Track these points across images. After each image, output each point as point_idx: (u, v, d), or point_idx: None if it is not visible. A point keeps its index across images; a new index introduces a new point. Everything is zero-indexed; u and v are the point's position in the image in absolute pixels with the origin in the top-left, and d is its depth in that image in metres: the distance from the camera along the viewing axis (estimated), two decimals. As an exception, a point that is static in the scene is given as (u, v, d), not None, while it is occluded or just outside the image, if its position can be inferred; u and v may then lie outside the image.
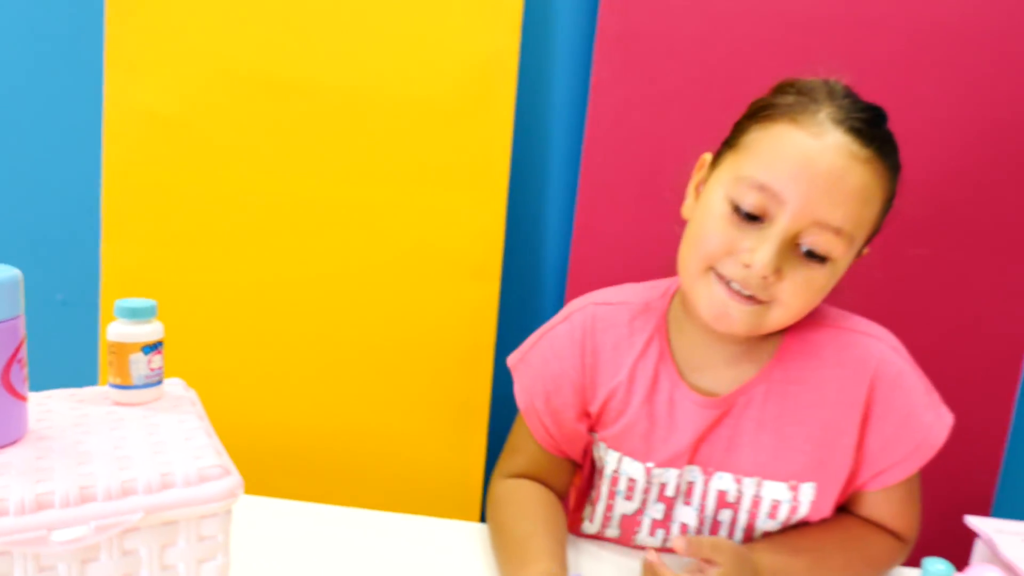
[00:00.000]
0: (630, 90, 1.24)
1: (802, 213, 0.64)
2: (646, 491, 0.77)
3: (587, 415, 0.78)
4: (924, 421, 0.73)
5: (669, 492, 0.76)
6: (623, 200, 1.24)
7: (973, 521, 0.73)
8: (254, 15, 1.19)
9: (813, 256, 0.66)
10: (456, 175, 1.25)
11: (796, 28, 1.18)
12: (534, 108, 1.29)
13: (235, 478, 0.48)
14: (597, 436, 0.79)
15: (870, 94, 1.18)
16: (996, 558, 0.69)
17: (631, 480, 0.76)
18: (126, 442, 0.49)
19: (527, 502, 0.76)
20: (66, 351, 1.33)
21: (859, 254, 0.72)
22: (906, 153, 1.19)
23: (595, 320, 0.78)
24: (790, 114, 0.66)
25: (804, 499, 0.74)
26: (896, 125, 1.17)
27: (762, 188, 0.65)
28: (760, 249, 0.65)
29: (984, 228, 1.22)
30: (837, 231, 0.65)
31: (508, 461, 0.82)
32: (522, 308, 1.37)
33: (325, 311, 1.28)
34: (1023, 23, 1.16)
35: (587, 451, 0.82)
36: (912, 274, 1.25)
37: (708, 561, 0.67)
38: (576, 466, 0.84)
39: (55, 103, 1.29)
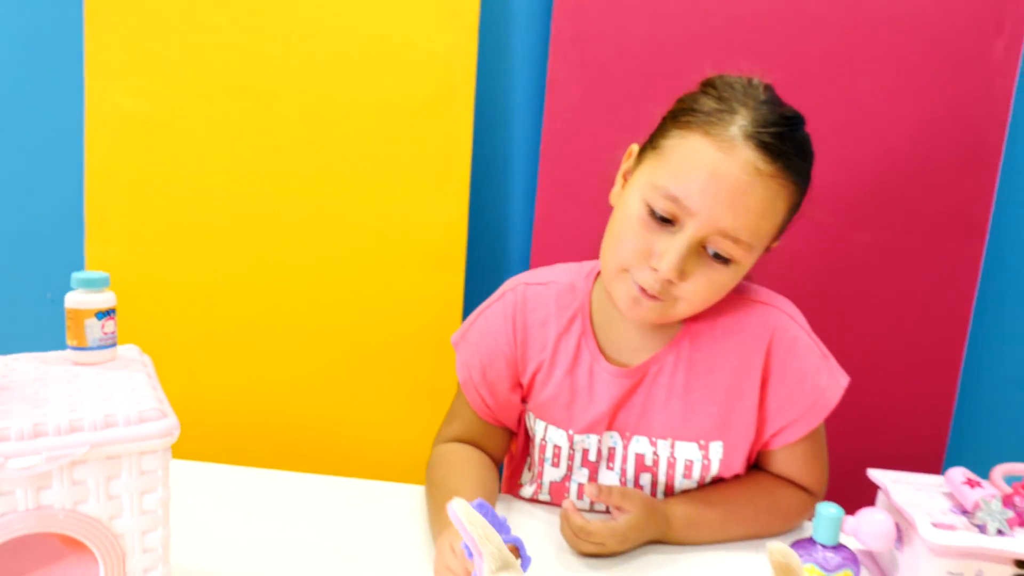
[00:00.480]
0: (584, 87, 1.31)
1: (707, 223, 0.70)
2: (571, 457, 0.83)
3: (520, 386, 0.85)
4: (819, 383, 0.79)
5: (591, 457, 0.83)
6: (580, 191, 1.31)
7: (873, 473, 0.79)
8: (228, 22, 1.27)
9: (718, 258, 0.72)
10: (421, 170, 1.31)
11: (743, 25, 1.24)
12: (493, 105, 1.36)
13: (172, 420, 0.54)
14: (528, 406, 0.86)
15: (812, 87, 1.26)
16: (889, 504, 0.75)
17: (556, 447, 0.83)
18: (78, 392, 0.56)
19: (459, 461, 0.83)
20: (55, 347, 1.39)
21: (767, 250, 0.78)
22: (848, 143, 1.27)
23: (525, 299, 0.85)
24: (705, 126, 0.71)
25: (714, 457, 0.80)
26: (838, 116, 1.24)
27: (673, 199, 0.71)
28: (666, 256, 0.71)
29: (923, 213, 1.28)
30: (737, 240, 0.71)
31: (447, 428, 0.89)
32: (486, 296, 1.44)
33: (300, 301, 1.35)
34: (957, 16, 1.22)
35: (521, 420, 0.89)
36: (857, 258, 1.31)
37: (619, 508, 0.73)
38: (511, 434, 0.91)
39: (38, 107, 1.36)
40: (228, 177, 1.31)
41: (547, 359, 0.83)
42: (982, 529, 0.68)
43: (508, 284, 0.89)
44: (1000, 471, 0.75)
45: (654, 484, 0.83)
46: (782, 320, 0.81)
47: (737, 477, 0.83)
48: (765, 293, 0.84)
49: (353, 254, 1.33)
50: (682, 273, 0.72)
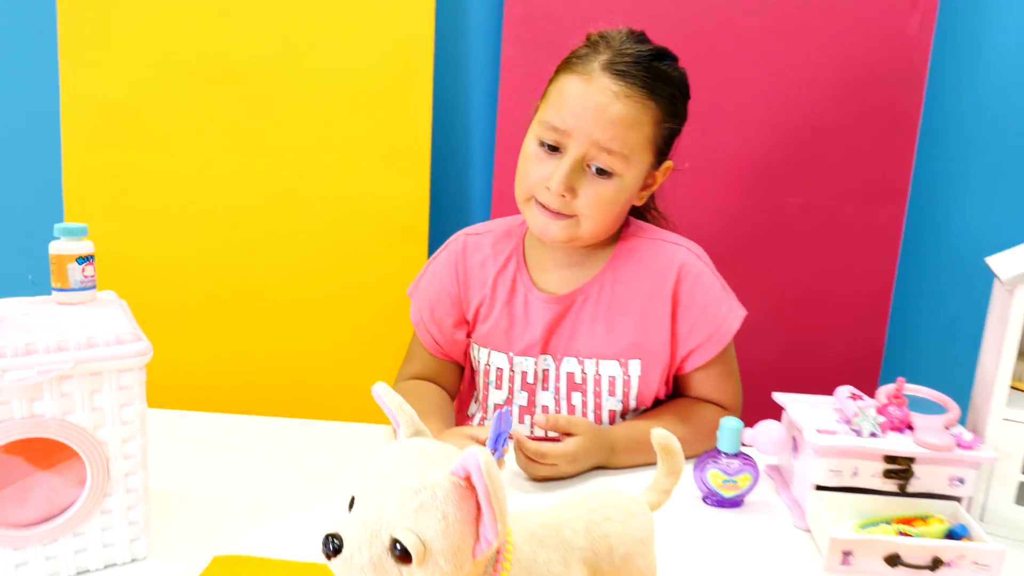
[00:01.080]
0: (537, 65, 1.39)
1: (583, 140, 0.84)
2: (511, 379, 0.94)
3: (465, 323, 0.96)
4: (720, 311, 0.90)
5: (530, 379, 0.93)
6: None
7: (777, 396, 0.89)
8: (198, 9, 1.34)
9: (601, 172, 0.85)
10: (384, 148, 1.40)
11: (685, 6, 1.34)
12: (452, 84, 1.45)
13: (146, 343, 0.63)
14: (472, 339, 0.97)
15: (746, 61, 1.37)
16: (788, 419, 0.86)
17: (499, 370, 0.94)
18: (63, 322, 0.64)
19: (417, 392, 0.94)
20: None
21: (661, 168, 0.90)
22: (779, 113, 1.37)
23: (465, 247, 0.98)
24: (574, 66, 0.86)
25: (633, 374, 0.91)
26: (769, 89, 1.35)
27: (554, 128, 0.85)
28: (556, 173, 0.85)
29: (850, 177, 1.39)
30: (610, 151, 0.84)
31: (405, 368, 1.00)
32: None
33: (272, 274, 1.44)
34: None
35: (467, 355, 0.99)
36: (791, 220, 1.42)
37: (568, 434, 0.83)
38: (461, 370, 1.01)
39: (14, 95, 1.43)
40: (201, 158, 1.39)
41: (487, 294, 0.96)
42: (859, 433, 0.78)
43: (453, 237, 1.02)
44: (883, 390, 0.85)
45: (584, 405, 0.94)
46: (689, 258, 0.93)
47: (664, 404, 0.94)
48: (676, 237, 0.96)
49: (322, 229, 1.42)
50: (572, 189, 0.86)
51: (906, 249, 1.40)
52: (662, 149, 0.91)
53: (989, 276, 0.82)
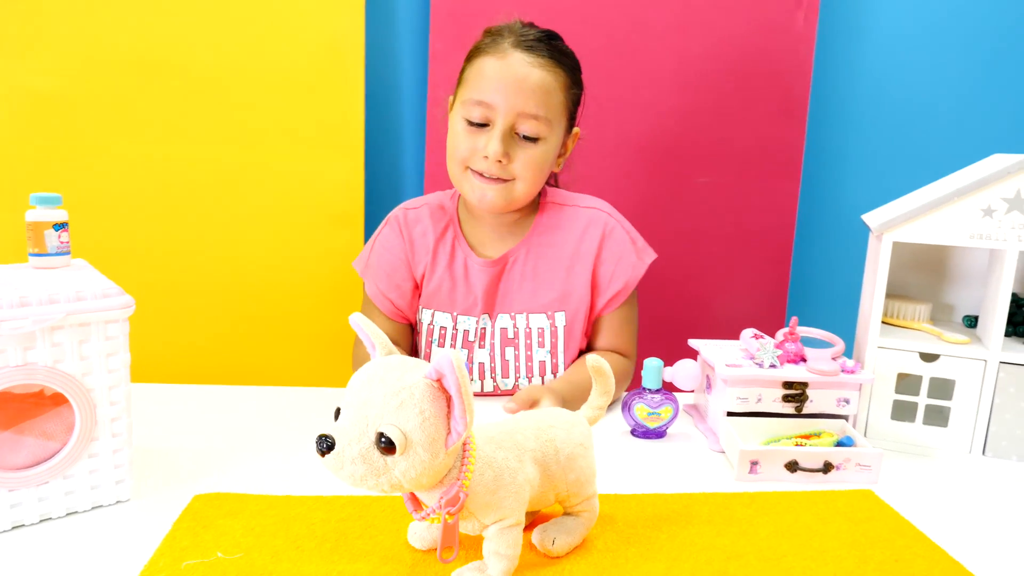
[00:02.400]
0: (463, 54, 1.49)
1: (508, 110, 0.95)
2: (454, 338, 1.03)
3: (417, 287, 1.04)
4: (631, 262, 1.04)
5: (471, 337, 1.03)
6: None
7: (692, 342, 1.01)
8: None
9: (528, 139, 0.96)
10: (318, 136, 1.46)
11: (597, 1, 1.45)
12: (382, 73, 1.53)
13: (129, 298, 0.69)
14: (419, 303, 1.06)
15: (654, 53, 1.49)
16: (702, 360, 0.98)
17: (442, 328, 1.03)
18: (49, 280, 0.69)
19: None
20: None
21: (572, 134, 1.02)
22: (686, 100, 1.50)
23: (407, 219, 1.07)
24: (486, 50, 0.98)
25: (559, 325, 1.02)
26: (676, 78, 1.48)
27: (479, 103, 0.96)
28: (490, 143, 0.96)
29: (750, 157, 1.53)
30: (535, 117, 0.95)
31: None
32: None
33: (213, 260, 1.47)
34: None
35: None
36: (699, 197, 1.56)
37: (536, 401, 0.92)
38: (413, 331, 1.10)
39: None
40: (134, 150, 1.41)
41: (429, 260, 1.06)
42: (760, 365, 0.91)
43: (391, 213, 1.11)
44: (780, 332, 0.98)
45: (517, 358, 1.04)
46: (605, 217, 1.07)
47: (580, 359, 1.04)
48: (592, 200, 1.10)
49: (260, 216, 1.46)
50: (507, 155, 0.97)
51: (802, 216, 1.57)
52: (572, 115, 1.04)
53: (866, 234, 0.96)
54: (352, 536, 0.68)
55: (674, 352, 1.15)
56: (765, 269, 1.57)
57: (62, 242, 0.75)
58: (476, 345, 1.06)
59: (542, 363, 1.06)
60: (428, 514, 0.58)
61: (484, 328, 1.05)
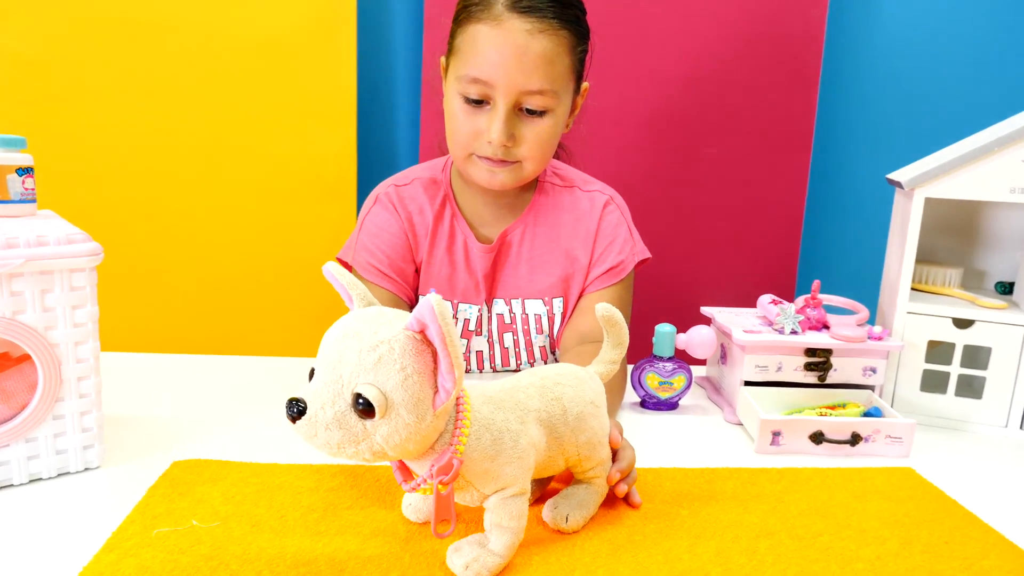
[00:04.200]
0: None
1: (510, 88, 0.83)
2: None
3: (417, 272, 0.96)
4: (624, 249, 0.95)
5: (471, 326, 0.95)
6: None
7: (705, 309, 0.95)
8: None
9: (534, 113, 0.85)
10: (309, 103, 1.40)
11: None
12: (375, 39, 1.46)
13: (96, 245, 0.63)
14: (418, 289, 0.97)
15: (663, 20, 1.42)
16: (716, 327, 0.92)
17: None
18: (11, 227, 0.63)
19: None
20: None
21: (580, 91, 0.91)
22: (692, 69, 1.43)
23: (399, 196, 0.96)
24: (476, 14, 0.83)
25: (557, 312, 0.95)
26: (683, 47, 1.41)
27: (476, 81, 0.83)
28: (493, 126, 0.84)
29: (758, 129, 1.47)
30: (540, 92, 0.84)
31: None
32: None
33: (202, 231, 1.41)
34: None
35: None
36: (706, 169, 1.50)
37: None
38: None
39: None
40: (121, 116, 1.35)
41: (428, 242, 0.95)
42: (781, 331, 0.85)
43: (377, 190, 0.98)
44: (801, 298, 0.92)
45: (516, 344, 0.97)
46: (606, 200, 0.97)
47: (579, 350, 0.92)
48: (599, 184, 0.99)
49: (248, 186, 1.40)
50: (512, 136, 0.85)
51: (813, 186, 1.51)
52: (580, 73, 0.91)
53: (881, 202, 0.89)
54: (342, 507, 0.62)
55: (684, 321, 1.10)
56: (774, 242, 1.51)
57: (26, 189, 0.69)
58: (474, 333, 0.97)
59: (543, 349, 0.98)
60: (419, 484, 0.52)
61: (480, 315, 0.96)
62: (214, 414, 0.81)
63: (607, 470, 0.62)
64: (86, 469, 0.67)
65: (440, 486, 0.51)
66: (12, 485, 0.63)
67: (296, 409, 0.47)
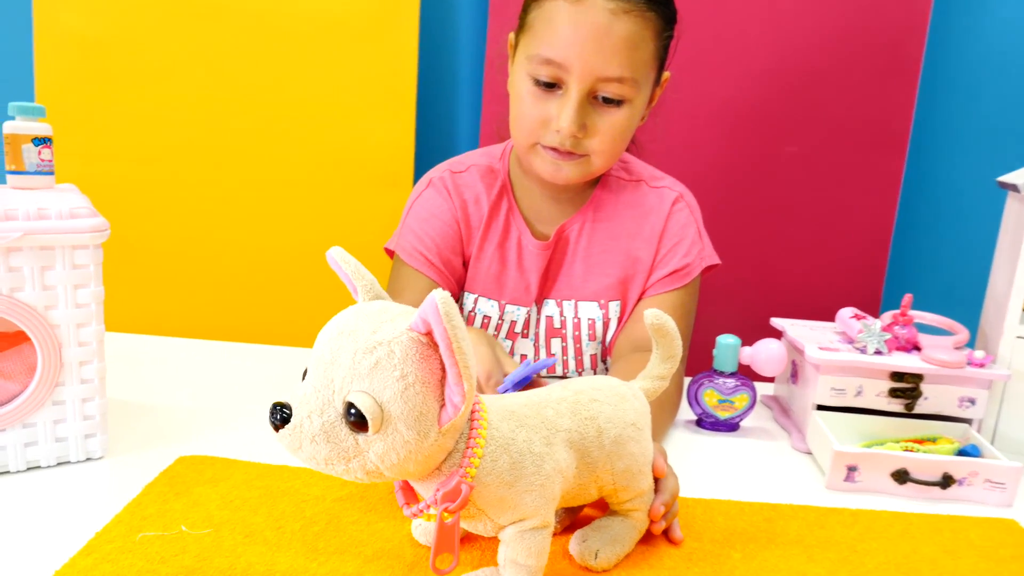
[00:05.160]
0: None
1: (586, 73, 0.74)
2: (498, 328, 0.87)
3: (465, 266, 0.88)
4: (692, 251, 0.85)
5: (518, 329, 0.87)
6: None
7: (775, 320, 0.85)
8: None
9: (610, 102, 0.76)
10: (369, 91, 1.36)
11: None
12: (439, 25, 1.40)
13: (102, 220, 0.59)
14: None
15: (747, 5, 1.31)
16: (787, 341, 0.82)
17: (485, 318, 0.87)
18: (15, 199, 0.59)
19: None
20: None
21: (660, 82, 0.82)
22: (775, 61, 1.32)
23: (454, 182, 0.88)
24: None
25: (613, 316, 0.86)
26: (765, 37, 1.29)
27: (548, 62, 0.75)
28: (563, 113, 0.75)
29: (847, 126, 1.35)
30: (620, 79, 0.75)
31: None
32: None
33: (257, 217, 1.39)
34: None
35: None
36: (786, 168, 1.38)
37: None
38: None
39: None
40: (180, 98, 1.34)
41: (480, 235, 0.87)
42: (863, 351, 0.74)
43: (430, 174, 0.90)
44: (888, 314, 0.81)
45: (564, 351, 0.88)
46: (676, 197, 0.87)
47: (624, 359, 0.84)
48: (669, 179, 0.89)
49: (306, 170, 1.37)
50: (583, 127, 0.76)
51: (906, 193, 1.37)
52: (663, 61, 0.82)
53: (986, 208, 0.78)
54: (346, 521, 0.56)
55: (752, 337, 0.99)
56: (859, 250, 1.37)
57: (43, 160, 0.65)
58: (520, 336, 0.89)
59: (593, 357, 0.89)
60: (422, 509, 0.45)
61: (527, 317, 0.88)
62: (231, 405, 0.76)
63: (648, 503, 0.54)
64: (88, 459, 0.63)
65: (445, 514, 0.44)
66: (8, 472, 0.60)
67: (280, 416, 0.41)
